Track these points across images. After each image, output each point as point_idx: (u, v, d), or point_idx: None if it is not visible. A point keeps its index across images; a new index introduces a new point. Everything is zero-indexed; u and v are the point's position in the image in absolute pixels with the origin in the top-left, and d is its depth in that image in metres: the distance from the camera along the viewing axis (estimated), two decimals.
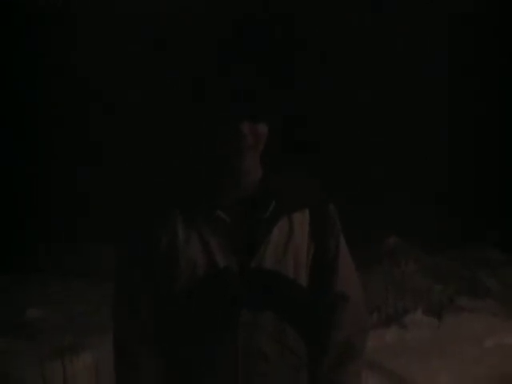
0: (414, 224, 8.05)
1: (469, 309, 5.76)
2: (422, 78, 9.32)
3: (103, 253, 6.93)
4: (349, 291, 1.82)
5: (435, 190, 9.10)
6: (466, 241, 8.20)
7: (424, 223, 8.26)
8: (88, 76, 8.78)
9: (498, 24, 9.49)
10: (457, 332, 5.24)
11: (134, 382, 1.75)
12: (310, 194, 1.82)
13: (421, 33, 9.41)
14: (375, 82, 9.42)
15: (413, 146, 9.36)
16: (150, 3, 9.05)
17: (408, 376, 4.44)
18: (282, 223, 1.74)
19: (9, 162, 8.50)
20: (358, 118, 9.48)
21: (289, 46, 9.16)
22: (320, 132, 9.09)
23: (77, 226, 8.26)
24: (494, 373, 4.50)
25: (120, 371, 1.79)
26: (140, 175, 6.50)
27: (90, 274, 6.86)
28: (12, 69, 8.62)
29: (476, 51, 9.54)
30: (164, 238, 1.72)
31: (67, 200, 8.52)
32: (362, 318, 1.87)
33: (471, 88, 9.59)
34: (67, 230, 8.24)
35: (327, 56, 9.50)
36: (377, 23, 9.55)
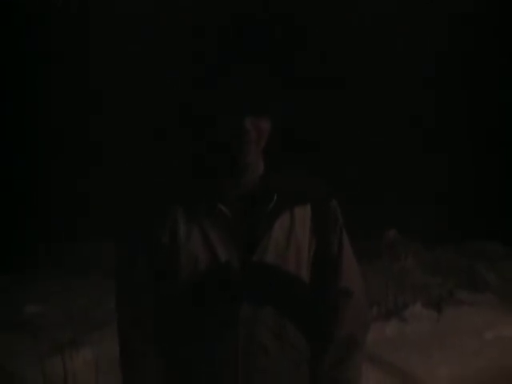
0: (413, 220, 8.06)
1: (468, 302, 5.78)
2: (421, 78, 9.34)
3: (103, 250, 6.94)
4: (352, 286, 1.82)
5: (435, 186, 9.11)
6: (465, 235, 8.20)
7: (424, 218, 8.27)
8: (88, 76, 8.80)
9: (498, 24, 9.49)
10: (456, 325, 5.24)
11: (138, 380, 1.75)
12: (311, 189, 1.82)
13: (421, 33, 9.42)
14: (375, 81, 9.43)
15: (412, 144, 9.37)
16: (149, 3, 9.07)
17: (408, 369, 4.44)
18: (283, 218, 1.74)
19: (9, 162, 8.50)
20: (358, 118, 9.49)
21: (289, 46, 9.17)
22: (320, 131, 9.09)
23: (77, 225, 8.26)
24: (494, 365, 4.51)
25: (126, 371, 1.79)
26: (140, 173, 6.49)
27: (90, 270, 6.87)
28: (12, 69, 8.63)
29: (476, 51, 9.55)
30: (164, 237, 1.72)
31: (67, 200, 8.52)
32: (363, 313, 1.87)
33: (471, 88, 9.60)
34: (67, 230, 8.24)
35: (327, 56, 9.51)
36: (377, 23, 9.56)
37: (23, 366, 4.39)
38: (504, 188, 9.11)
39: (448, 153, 9.49)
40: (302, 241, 1.76)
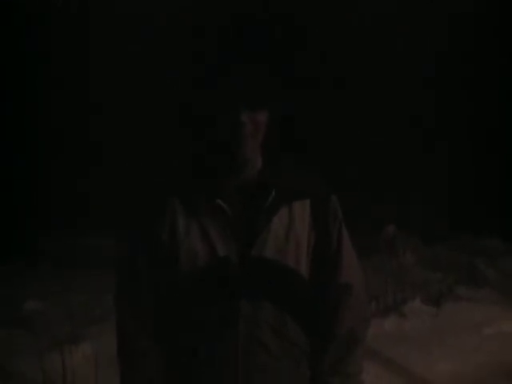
0: (413, 216, 8.06)
1: (467, 298, 5.77)
2: (421, 78, 9.35)
3: (103, 248, 6.95)
4: (352, 281, 1.80)
5: (435, 183, 9.11)
6: (465, 231, 8.19)
7: (424, 215, 8.27)
8: (88, 76, 8.81)
9: (498, 24, 9.51)
10: (456, 320, 5.24)
11: (138, 380, 1.74)
12: (311, 185, 1.81)
13: (421, 33, 9.43)
14: (375, 81, 9.44)
15: (412, 144, 9.38)
16: (149, 3, 9.08)
17: (407, 364, 4.44)
18: (282, 213, 1.73)
19: (9, 162, 8.52)
20: (358, 118, 9.50)
21: (289, 46, 9.19)
22: (320, 131, 9.10)
23: (77, 223, 8.27)
24: (493, 360, 4.50)
25: (125, 370, 1.78)
26: (140, 172, 6.50)
27: (90, 267, 6.87)
28: (12, 69, 8.65)
29: (476, 51, 9.56)
30: (164, 234, 1.72)
31: (67, 198, 8.54)
32: (363, 308, 1.86)
33: (471, 88, 9.61)
34: (67, 229, 8.24)
35: (327, 56, 9.53)
36: (377, 23, 9.57)
37: (23, 360, 4.40)
38: (503, 184, 9.11)
39: (448, 151, 9.49)
40: (301, 236, 1.74)
